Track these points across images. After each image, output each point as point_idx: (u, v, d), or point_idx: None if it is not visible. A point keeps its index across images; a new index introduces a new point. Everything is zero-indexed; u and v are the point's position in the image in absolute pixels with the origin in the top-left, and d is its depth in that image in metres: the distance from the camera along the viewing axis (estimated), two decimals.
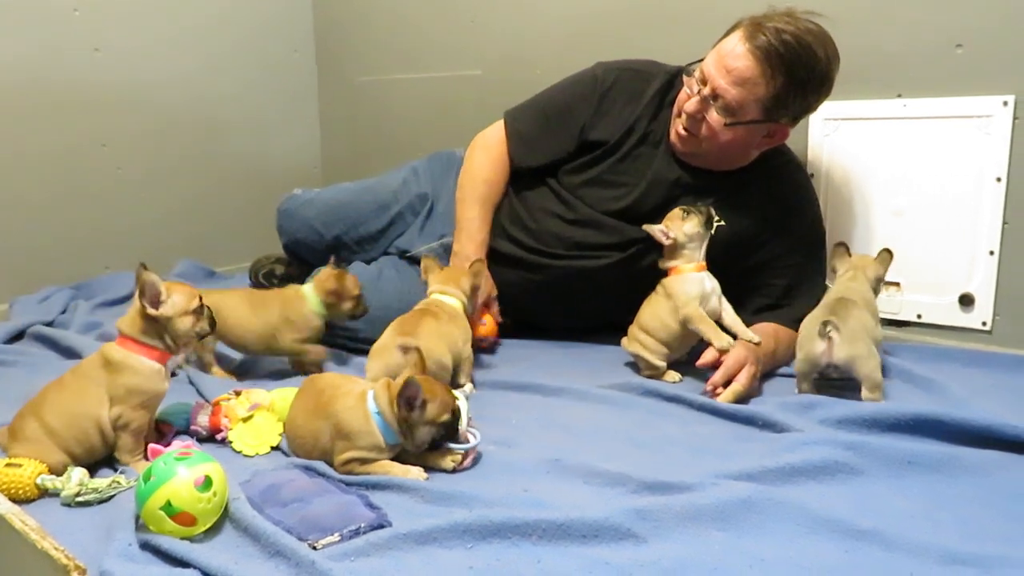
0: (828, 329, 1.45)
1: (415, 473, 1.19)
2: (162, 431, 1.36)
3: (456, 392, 1.30)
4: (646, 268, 1.73)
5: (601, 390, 1.54)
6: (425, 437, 1.21)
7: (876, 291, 1.59)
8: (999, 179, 1.69)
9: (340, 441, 1.21)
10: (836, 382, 1.51)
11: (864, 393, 1.44)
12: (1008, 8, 1.65)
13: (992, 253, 1.72)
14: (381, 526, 1.04)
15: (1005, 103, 1.67)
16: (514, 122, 1.91)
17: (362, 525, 1.03)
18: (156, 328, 1.25)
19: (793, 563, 0.97)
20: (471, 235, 1.86)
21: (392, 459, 1.22)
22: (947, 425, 1.29)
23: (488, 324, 1.83)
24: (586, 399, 1.51)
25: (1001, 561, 0.96)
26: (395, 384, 1.21)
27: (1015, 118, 1.66)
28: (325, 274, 1.68)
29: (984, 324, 1.75)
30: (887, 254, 1.61)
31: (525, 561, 0.97)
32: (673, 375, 1.63)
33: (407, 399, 1.18)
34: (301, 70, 2.99)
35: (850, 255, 1.64)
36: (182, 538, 1.02)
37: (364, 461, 1.20)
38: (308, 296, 1.68)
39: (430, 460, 1.23)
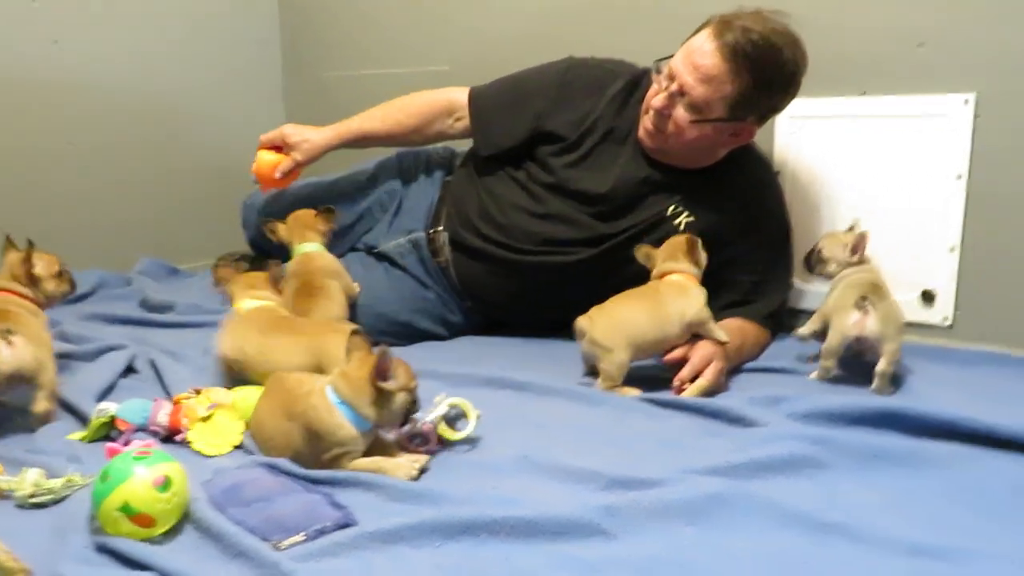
0: (866, 303, 1.49)
1: (406, 468, 1.17)
2: (120, 429, 1.32)
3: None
4: (616, 265, 1.73)
5: (570, 386, 1.53)
6: (401, 405, 1.21)
7: None
8: (960, 176, 1.72)
9: (317, 443, 1.19)
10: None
11: (881, 365, 1.47)
12: (969, 7, 1.67)
13: (953, 250, 1.74)
14: (347, 525, 1.02)
15: (966, 101, 1.69)
16: (477, 100, 1.92)
17: (327, 524, 1.01)
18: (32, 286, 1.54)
19: (762, 557, 0.97)
20: (340, 125, 1.95)
21: (366, 452, 1.20)
22: (911, 419, 1.31)
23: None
24: (555, 395, 1.50)
25: (966, 553, 0.97)
26: (353, 364, 1.20)
27: (976, 116, 1.69)
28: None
29: (946, 320, 1.77)
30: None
31: (494, 559, 0.96)
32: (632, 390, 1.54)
33: (381, 371, 1.17)
34: (266, 64, 2.94)
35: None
36: (140, 540, 0.99)
37: (348, 455, 1.18)
38: None
39: (388, 469, 1.18)
